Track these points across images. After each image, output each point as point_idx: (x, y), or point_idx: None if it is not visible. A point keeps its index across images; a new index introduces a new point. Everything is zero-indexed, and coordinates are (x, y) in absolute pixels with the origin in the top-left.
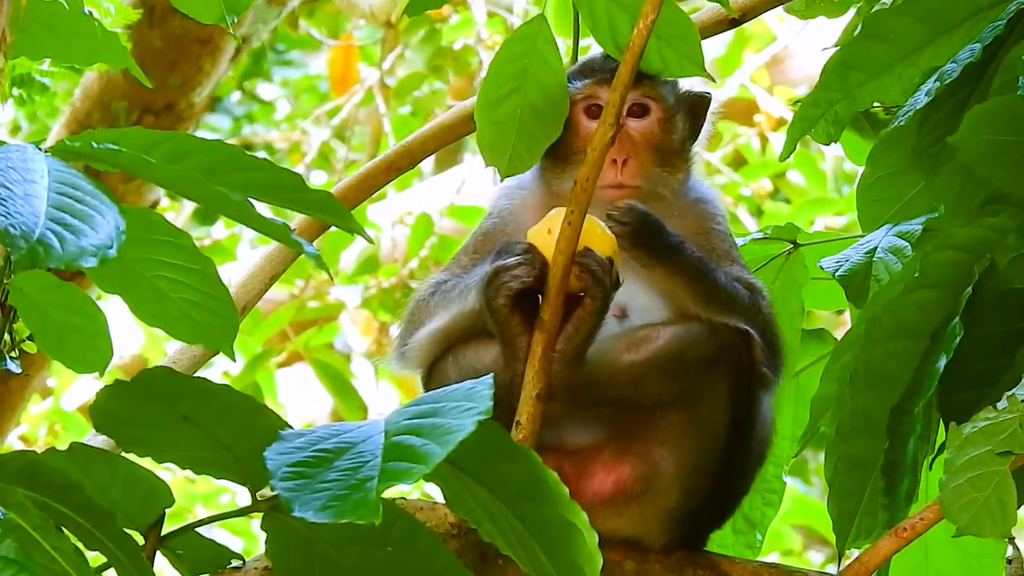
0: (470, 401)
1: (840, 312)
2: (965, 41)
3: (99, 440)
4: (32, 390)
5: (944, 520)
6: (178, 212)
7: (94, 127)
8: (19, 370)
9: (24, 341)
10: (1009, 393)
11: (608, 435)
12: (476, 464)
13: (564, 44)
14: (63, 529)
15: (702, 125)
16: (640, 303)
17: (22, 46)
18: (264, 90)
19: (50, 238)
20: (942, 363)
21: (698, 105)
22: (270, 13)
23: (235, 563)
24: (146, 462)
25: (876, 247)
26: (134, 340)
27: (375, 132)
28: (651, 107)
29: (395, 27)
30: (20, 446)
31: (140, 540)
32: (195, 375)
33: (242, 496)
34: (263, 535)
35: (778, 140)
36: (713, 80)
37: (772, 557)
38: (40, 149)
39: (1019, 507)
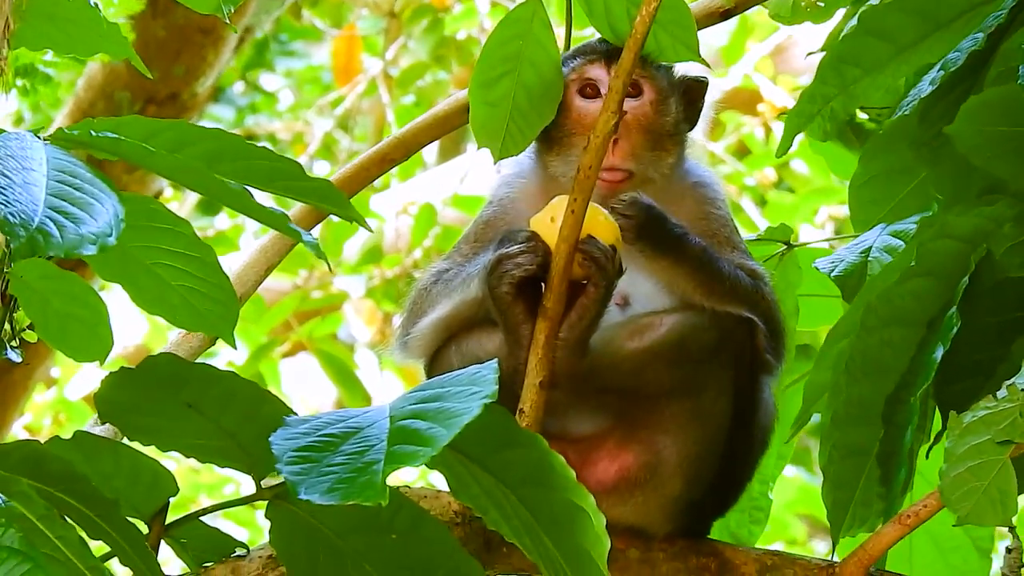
0: (475, 385)
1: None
2: (960, 37)
3: (103, 429)
4: (36, 380)
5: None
6: (181, 203)
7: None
8: (20, 359)
9: (24, 330)
10: (1009, 382)
11: (611, 423)
12: (481, 450)
13: (561, 32)
14: (67, 518)
15: (699, 110)
16: (643, 291)
17: (24, 36)
18: (267, 80)
19: (49, 226)
20: (939, 352)
21: (694, 89)
22: (273, 3)
23: (239, 552)
24: (150, 451)
25: (871, 246)
26: (138, 329)
27: (378, 122)
28: (644, 87)
29: (398, 17)
30: (25, 436)
31: (144, 529)
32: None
33: (247, 487)
34: (267, 524)
35: (782, 130)
36: (708, 66)
37: (776, 546)
38: (39, 137)
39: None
